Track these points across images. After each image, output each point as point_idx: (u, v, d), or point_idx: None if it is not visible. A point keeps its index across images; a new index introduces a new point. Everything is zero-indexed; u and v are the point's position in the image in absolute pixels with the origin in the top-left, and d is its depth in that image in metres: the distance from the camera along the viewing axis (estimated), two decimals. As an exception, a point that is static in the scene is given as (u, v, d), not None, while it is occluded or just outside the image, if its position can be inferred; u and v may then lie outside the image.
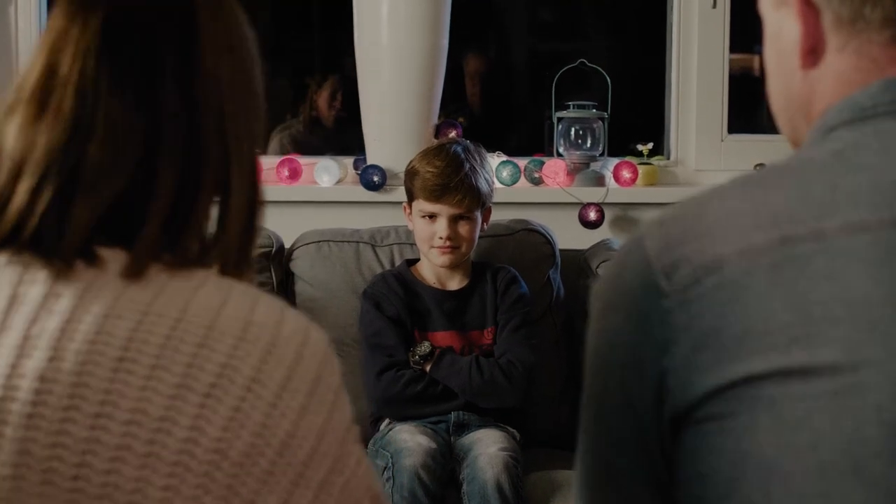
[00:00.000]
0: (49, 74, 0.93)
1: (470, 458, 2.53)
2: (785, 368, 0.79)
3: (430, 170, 2.67)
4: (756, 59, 3.99)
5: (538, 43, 5.50)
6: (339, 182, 3.27)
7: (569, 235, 3.09)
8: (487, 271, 2.79)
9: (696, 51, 3.36)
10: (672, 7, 3.41)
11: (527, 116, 5.22)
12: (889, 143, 0.84)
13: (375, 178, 3.15)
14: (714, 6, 3.34)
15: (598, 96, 3.38)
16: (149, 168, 0.92)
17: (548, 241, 2.96)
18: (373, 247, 2.94)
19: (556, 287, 2.93)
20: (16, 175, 0.91)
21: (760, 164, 3.22)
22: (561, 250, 2.97)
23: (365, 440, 2.66)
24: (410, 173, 2.74)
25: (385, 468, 2.51)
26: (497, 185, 3.07)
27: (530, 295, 2.79)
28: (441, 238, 2.68)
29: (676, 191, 3.27)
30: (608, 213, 3.22)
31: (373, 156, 3.20)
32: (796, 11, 0.89)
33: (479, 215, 2.72)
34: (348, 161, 3.33)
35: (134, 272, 0.89)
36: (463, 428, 2.65)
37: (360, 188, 3.17)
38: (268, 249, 2.90)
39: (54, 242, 0.89)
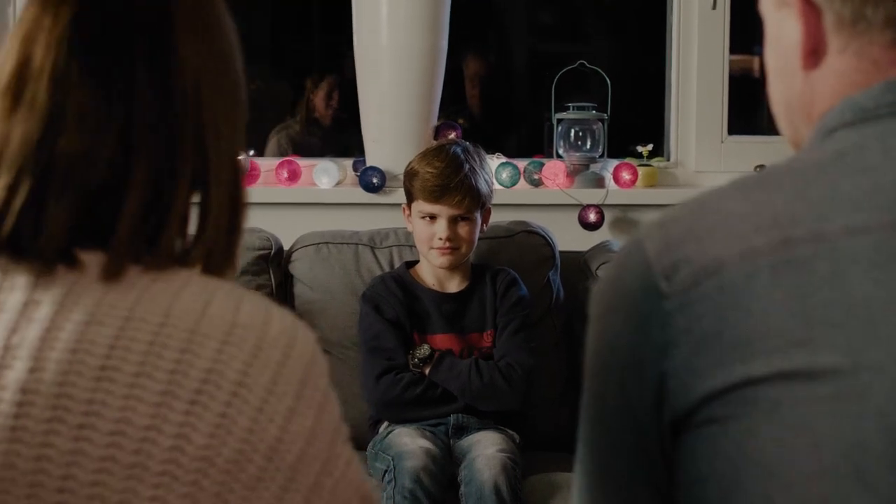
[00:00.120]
0: (23, 66, 0.91)
1: (468, 459, 2.53)
2: (786, 371, 0.79)
3: (430, 170, 2.67)
4: (756, 60, 3.99)
5: (538, 44, 5.50)
6: (338, 184, 3.26)
7: (568, 237, 3.09)
8: (487, 273, 2.78)
9: (696, 52, 3.36)
10: (672, 8, 3.41)
11: (526, 118, 5.22)
12: (890, 145, 0.84)
13: (375, 180, 3.15)
14: (714, 7, 3.33)
15: (598, 98, 3.38)
16: (124, 162, 0.90)
17: (547, 243, 2.96)
18: (372, 249, 2.93)
19: (555, 289, 2.93)
20: None
21: (760, 166, 3.22)
22: (561, 252, 2.97)
23: (364, 443, 2.66)
24: (410, 174, 2.73)
25: (386, 471, 2.51)
26: (496, 186, 3.07)
27: (530, 297, 2.79)
28: (441, 239, 2.68)
29: (676, 192, 3.27)
30: (608, 215, 3.22)
31: (372, 157, 3.20)
32: (797, 12, 0.88)
33: (478, 216, 2.72)
34: (347, 163, 3.32)
35: (112, 273, 0.88)
36: (462, 431, 2.65)
37: (360, 190, 3.17)
38: (266, 251, 2.89)
39: (32, 242, 0.88)
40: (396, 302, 2.71)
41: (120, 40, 0.91)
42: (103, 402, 0.84)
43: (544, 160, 3.34)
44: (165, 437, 0.84)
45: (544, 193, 3.25)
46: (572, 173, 3.27)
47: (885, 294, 0.78)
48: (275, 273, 2.90)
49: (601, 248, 2.99)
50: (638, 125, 3.75)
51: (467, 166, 2.68)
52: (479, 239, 2.77)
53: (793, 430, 0.78)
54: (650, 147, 3.36)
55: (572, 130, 3.31)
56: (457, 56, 4.30)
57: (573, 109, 3.32)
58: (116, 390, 0.84)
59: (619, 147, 3.43)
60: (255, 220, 2.99)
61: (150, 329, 0.86)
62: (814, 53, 0.89)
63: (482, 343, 2.73)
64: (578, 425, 0.91)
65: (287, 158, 3.34)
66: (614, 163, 3.33)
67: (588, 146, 3.30)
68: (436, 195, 2.66)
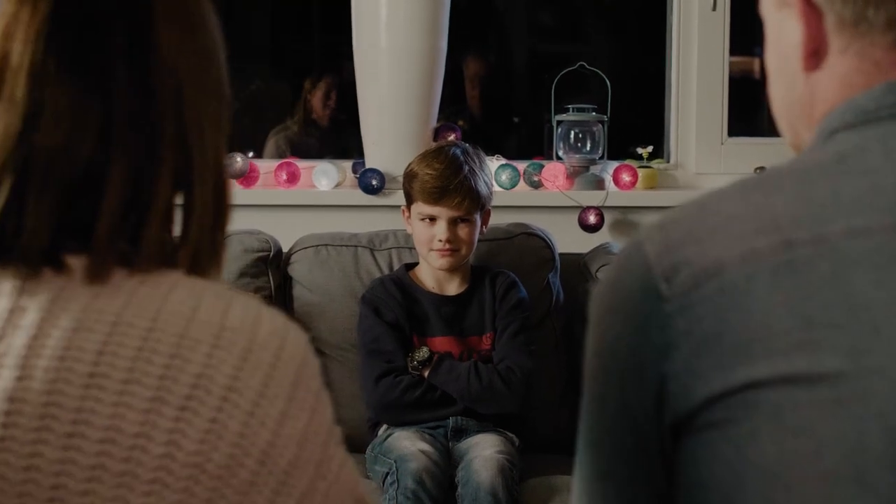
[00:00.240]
0: (1, 61, 0.89)
1: (465, 460, 2.53)
2: (787, 375, 0.78)
3: (429, 172, 2.67)
4: (756, 61, 3.99)
5: (538, 45, 5.50)
6: (337, 186, 3.26)
7: (568, 239, 3.09)
8: (486, 276, 2.78)
9: (696, 53, 3.35)
10: (672, 9, 3.41)
11: (526, 119, 5.23)
12: (892, 147, 0.83)
13: (374, 182, 3.15)
14: (714, 8, 3.33)
15: (598, 99, 3.38)
16: (105, 160, 0.88)
17: (547, 245, 2.96)
18: (371, 251, 2.93)
19: (555, 291, 2.93)
20: None
21: (761, 168, 3.22)
22: (560, 254, 2.97)
23: (362, 445, 2.66)
24: (409, 176, 2.73)
25: (388, 473, 2.51)
26: (496, 188, 3.06)
27: (529, 299, 2.78)
28: (440, 241, 2.67)
29: (676, 194, 3.27)
30: (608, 217, 3.22)
31: (371, 159, 3.20)
32: (798, 13, 0.88)
33: (478, 218, 2.72)
34: (347, 164, 3.32)
35: (96, 274, 0.86)
36: (461, 433, 2.65)
37: (359, 192, 3.17)
38: (265, 253, 2.89)
39: (15, 241, 0.86)
40: (396, 304, 2.71)
41: (98, 35, 0.90)
42: (92, 410, 0.83)
43: (544, 162, 3.34)
44: (155, 444, 0.83)
45: (544, 195, 3.25)
46: (572, 175, 3.27)
47: (886, 296, 0.78)
48: (274, 275, 2.90)
49: (601, 250, 2.99)
50: (638, 126, 3.75)
51: (467, 168, 2.68)
52: (479, 241, 2.77)
53: (794, 433, 0.78)
54: (650, 149, 3.36)
55: (572, 132, 3.31)
56: (457, 57, 4.30)
57: (573, 111, 3.32)
58: (105, 397, 0.83)
59: (619, 149, 3.43)
60: (254, 222, 2.99)
61: (138, 334, 0.85)
62: (815, 55, 0.88)
63: (481, 346, 2.73)
64: (578, 428, 0.90)
65: (286, 160, 3.34)
66: (614, 164, 3.33)
67: (588, 148, 3.30)
68: (435, 197, 2.66)
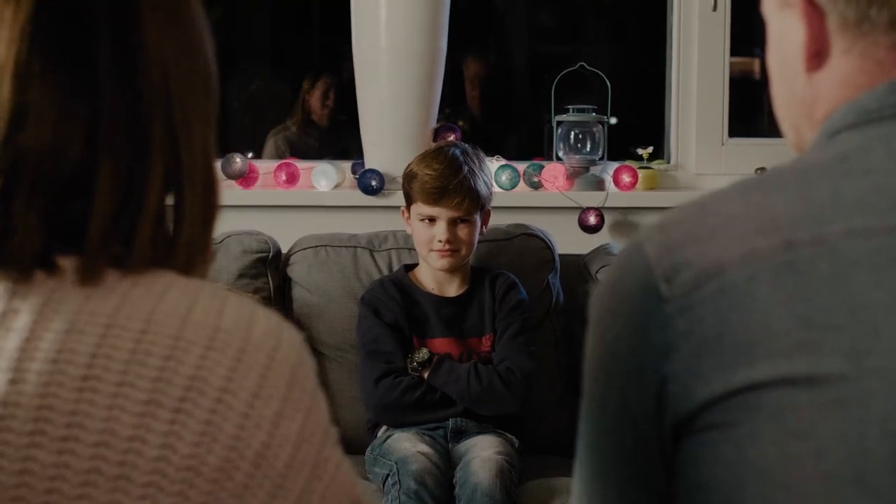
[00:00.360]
0: None
1: (464, 461, 2.53)
2: (788, 376, 0.78)
3: (429, 172, 2.67)
4: (757, 62, 3.99)
5: (538, 46, 5.50)
6: (336, 186, 3.26)
7: (568, 240, 3.09)
8: (486, 277, 2.78)
9: (697, 54, 3.35)
10: (672, 10, 3.41)
11: (526, 120, 5.23)
12: (894, 147, 0.83)
13: (373, 183, 3.15)
14: (714, 9, 3.33)
15: (598, 100, 3.38)
16: (93, 161, 0.87)
17: (547, 246, 2.95)
18: (371, 252, 2.93)
19: (555, 292, 2.92)
20: None
21: (761, 168, 3.22)
22: (560, 255, 2.97)
23: (362, 446, 2.66)
24: (409, 176, 2.73)
25: (388, 475, 2.51)
26: (496, 189, 3.06)
27: (529, 301, 2.78)
28: (440, 241, 2.67)
29: (676, 195, 3.27)
30: (608, 218, 3.21)
31: (371, 160, 3.20)
32: (801, 13, 0.88)
33: (478, 218, 2.72)
34: (346, 165, 3.32)
35: (88, 276, 0.86)
36: (461, 434, 2.64)
37: (358, 192, 3.17)
38: (265, 254, 2.89)
39: (6, 245, 0.85)
40: (395, 305, 2.71)
41: (84, 34, 0.89)
42: (86, 413, 0.82)
43: (544, 162, 3.34)
44: (150, 447, 0.82)
45: (544, 196, 3.25)
46: (572, 176, 3.26)
47: (886, 297, 0.78)
48: (273, 276, 2.90)
49: (601, 251, 2.98)
50: (638, 127, 3.75)
51: (466, 168, 2.68)
52: (479, 242, 2.77)
53: (795, 435, 0.78)
54: (650, 149, 3.36)
55: (572, 133, 3.30)
56: (457, 57, 4.30)
57: (573, 111, 3.32)
58: (99, 400, 0.82)
59: (620, 149, 3.43)
60: (254, 223, 2.99)
61: (131, 336, 0.84)
62: (817, 55, 0.88)
63: (481, 347, 2.73)
64: (578, 429, 0.90)
65: (285, 161, 3.34)
66: (614, 165, 3.33)
67: (588, 148, 3.30)
68: (435, 197, 2.65)
